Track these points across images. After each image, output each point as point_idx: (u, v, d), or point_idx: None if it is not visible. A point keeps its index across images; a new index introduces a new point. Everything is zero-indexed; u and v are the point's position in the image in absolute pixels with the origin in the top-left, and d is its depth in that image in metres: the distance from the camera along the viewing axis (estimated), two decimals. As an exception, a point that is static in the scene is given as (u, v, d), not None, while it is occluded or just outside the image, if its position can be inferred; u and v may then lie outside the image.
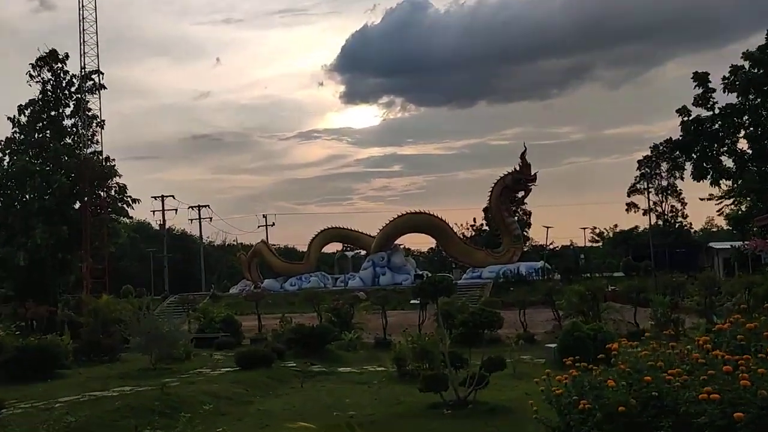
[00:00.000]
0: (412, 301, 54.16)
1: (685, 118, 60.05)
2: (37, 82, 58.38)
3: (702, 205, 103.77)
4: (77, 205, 57.68)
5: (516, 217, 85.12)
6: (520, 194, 71.34)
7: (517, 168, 65.42)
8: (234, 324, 36.28)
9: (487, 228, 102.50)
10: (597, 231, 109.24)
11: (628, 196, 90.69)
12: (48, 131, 58.10)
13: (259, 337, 34.44)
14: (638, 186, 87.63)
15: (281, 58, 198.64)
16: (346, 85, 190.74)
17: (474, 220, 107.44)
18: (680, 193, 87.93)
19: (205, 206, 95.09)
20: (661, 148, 69.40)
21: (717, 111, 59.01)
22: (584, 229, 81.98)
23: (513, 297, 39.49)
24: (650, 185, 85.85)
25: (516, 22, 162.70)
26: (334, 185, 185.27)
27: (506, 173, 66.42)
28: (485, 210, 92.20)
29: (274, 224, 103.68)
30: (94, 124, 60.41)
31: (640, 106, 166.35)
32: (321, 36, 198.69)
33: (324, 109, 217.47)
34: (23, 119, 58.01)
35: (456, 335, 20.95)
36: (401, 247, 78.14)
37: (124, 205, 58.89)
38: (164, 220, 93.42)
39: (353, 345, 30.10)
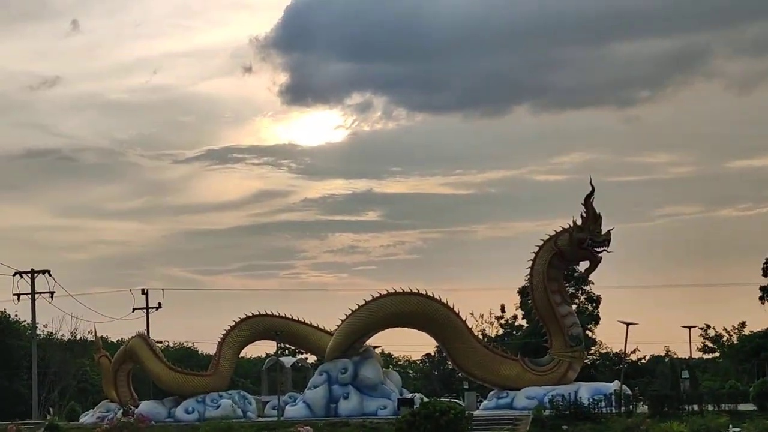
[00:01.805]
0: (393, 445, 54.15)
1: None
2: None
3: None
4: None
5: (575, 306, 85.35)
6: (583, 266, 71.46)
7: (579, 222, 65.75)
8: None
9: (524, 322, 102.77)
10: (712, 333, 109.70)
11: (765, 275, 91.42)
12: None
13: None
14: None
15: (181, 22, 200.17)
16: (291, 73, 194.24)
17: (502, 308, 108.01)
18: None
19: (43, 272, 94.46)
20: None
21: None
22: (689, 328, 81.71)
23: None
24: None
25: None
26: (266, 242, 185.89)
27: (559, 230, 66.72)
28: (522, 292, 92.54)
29: (160, 306, 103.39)
30: None
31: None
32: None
33: (252, 111, 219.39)
34: None
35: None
36: (376, 351, 77.82)
37: None
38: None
39: None
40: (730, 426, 45.17)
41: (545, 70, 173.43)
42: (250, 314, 75.76)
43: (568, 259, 68.11)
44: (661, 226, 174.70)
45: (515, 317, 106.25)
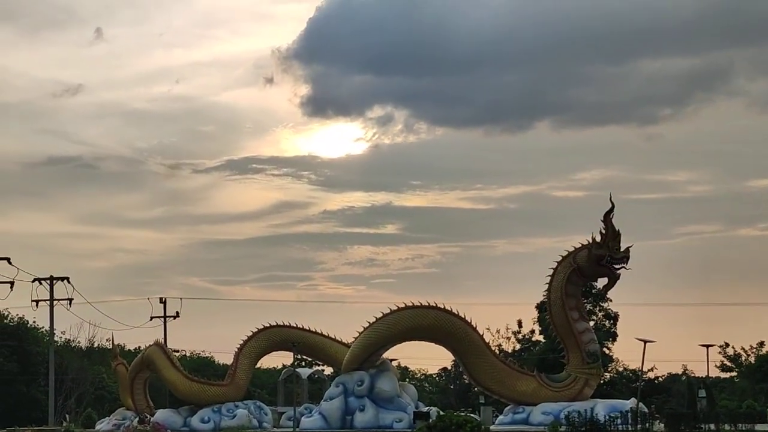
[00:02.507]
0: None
1: None
2: None
3: None
4: None
5: (592, 322, 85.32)
6: (601, 283, 71.36)
7: (598, 239, 65.74)
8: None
9: (541, 338, 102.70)
10: (730, 352, 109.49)
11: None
12: None
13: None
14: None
15: (204, 32, 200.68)
16: (312, 85, 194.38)
17: (519, 324, 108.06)
18: None
19: (62, 279, 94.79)
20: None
21: None
22: (707, 347, 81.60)
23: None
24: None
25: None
26: (284, 253, 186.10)
27: (578, 246, 66.72)
28: (540, 307, 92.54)
29: (178, 315, 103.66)
30: None
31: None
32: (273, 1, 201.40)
33: (273, 122, 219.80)
34: None
35: None
36: (393, 364, 77.81)
37: None
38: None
39: None
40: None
41: (568, 87, 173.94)
42: (268, 325, 75.86)
43: (586, 276, 68.05)
44: (681, 244, 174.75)
45: (532, 332, 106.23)
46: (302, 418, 70.91)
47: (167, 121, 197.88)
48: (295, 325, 75.81)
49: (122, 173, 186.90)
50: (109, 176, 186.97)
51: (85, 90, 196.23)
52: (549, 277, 67.39)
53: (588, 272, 67.21)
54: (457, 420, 16.29)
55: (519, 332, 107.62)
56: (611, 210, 65.70)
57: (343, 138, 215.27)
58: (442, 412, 68.58)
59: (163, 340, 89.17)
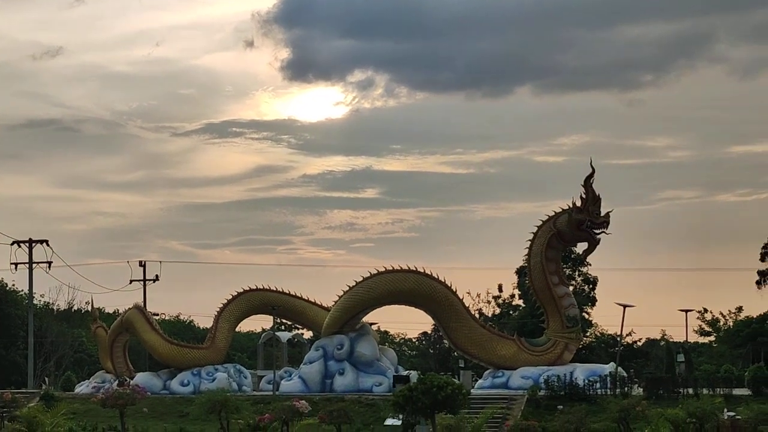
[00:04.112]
0: (388, 421, 54.15)
1: None
2: None
3: None
4: None
5: (572, 287, 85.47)
6: (581, 248, 71.49)
7: (578, 203, 65.77)
8: (80, 446, 35.92)
9: (521, 302, 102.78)
10: (707, 317, 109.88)
11: (762, 260, 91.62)
12: None
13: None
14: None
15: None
16: (293, 49, 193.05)
17: (499, 288, 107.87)
18: None
19: (41, 242, 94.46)
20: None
21: None
22: (686, 312, 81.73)
23: (562, 422, 39.48)
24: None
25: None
26: (264, 217, 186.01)
27: (558, 211, 66.75)
28: (520, 272, 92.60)
29: (157, 278, 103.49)
30: None
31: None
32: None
33: (253, 86, 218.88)
34: None
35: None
36: (373, 328, 77.90)
37: None
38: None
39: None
40: (725, 410, 45.19)
41: (549, 52, 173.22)
42: (247, 288, 75.93)
43: (566, 240, 68.18)
44: (660, 209, 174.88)
45: (512, 297, 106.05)
46: (282, 381, 71.04)
47: (147, 84, 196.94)
48: (274, 289, 75.91)
49: (102, 136, 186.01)
50: (88, 139, 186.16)
51: (65, 52, 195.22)
52: (529, 242, 67.51)
53: (568, 237, 67.31)
54: (438, 382, 16.32)
55: (499, 297, 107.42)
56: (591, 175, 65.76)
57: (324, 102, 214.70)
58: (421, 376, 68.99)
59: (142, 304, 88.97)
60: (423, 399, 16.29)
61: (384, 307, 73.70)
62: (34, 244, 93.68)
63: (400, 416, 29.35)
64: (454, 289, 69.72)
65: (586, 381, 62.34)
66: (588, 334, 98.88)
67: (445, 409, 16.87)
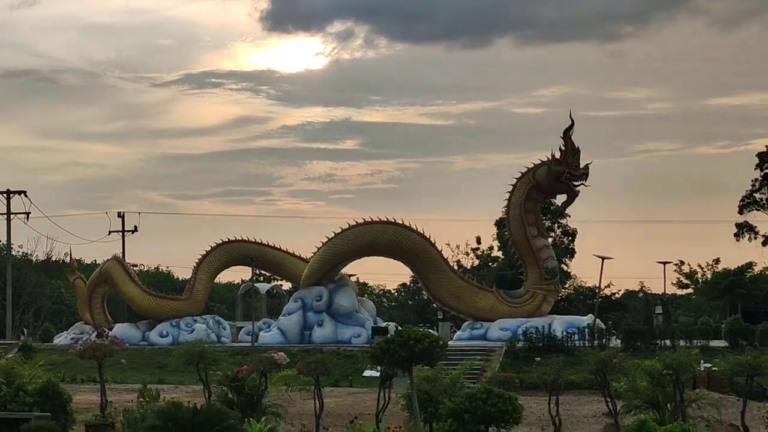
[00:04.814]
0: (367, 372, 54.35)
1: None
2: None
3: None
4: None
5: (551, 239, 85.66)
6: (560, 200, 71.62)
7: (557, 155, 65.76)
8: (59, 397, 35.78)
9: (500, 254, 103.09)
10: (685, 269, 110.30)
11: (740, 213, 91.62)
12: None
13: (101, 421, 34.04)
14: (756, 197, 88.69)
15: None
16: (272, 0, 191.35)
17: (478, 240, 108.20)
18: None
19: (18, 193, 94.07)
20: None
21: None
22: (664, 264, 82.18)
23: (539, 373, 39.49)
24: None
25: None
26: (243, 168, 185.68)
27: (537, 163, 66.74)
28: (499, 224, 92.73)
29: (136, 230, 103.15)
30: None
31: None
32: None
33: (231, 37, 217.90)
34: None
35: (440, 433, 20.96)
36: (352, 279, 77.97)
37: None
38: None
39: (262, 443, 29.88)
40: (702, 361, 45.47)
41: (529, 3, 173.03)
42: (226, 239, 75.87)
43: (545, 192, 68.14)
44: (639, 161, 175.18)
45: (491, 249, 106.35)
46: (261, 333, 71.15)
47: (125, 35, 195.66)
48: (253, 240, 75.84)
49: (80, 86, 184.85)
50: (66, 89, 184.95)
51: (42, 2, 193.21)
52: (508, 194, 67.53)
53: (547, 189, 67.30)
54: (415, 334, 16.31)
55: (478, 248, 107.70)
56: (571, 127, 65.72)
57: (303, 53, 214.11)
58: (400, 328, 69.01)
59: (121, 255, 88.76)
60: (400, 351, 16.29)
61: (363, 259, 73.88)
62: (12, 195, 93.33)
63: (378, 368, 29.39)
64: (433, 241, 69.83)
65: (565, 333, 62.63)
66: (566, 286, 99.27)
67: (422, 362, 16.92)
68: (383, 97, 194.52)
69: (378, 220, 69.99)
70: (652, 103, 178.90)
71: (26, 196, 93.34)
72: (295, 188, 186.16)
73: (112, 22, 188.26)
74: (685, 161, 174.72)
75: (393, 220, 69.85)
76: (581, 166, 65.55)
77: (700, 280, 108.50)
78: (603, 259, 69.05)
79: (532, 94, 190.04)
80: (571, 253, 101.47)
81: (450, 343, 62.08)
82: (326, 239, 70.43)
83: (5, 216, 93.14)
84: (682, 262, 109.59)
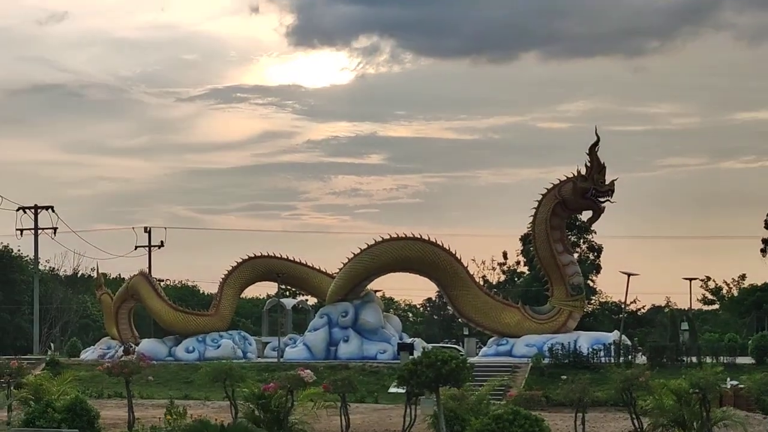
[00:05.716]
0: (392, 389, 54.31)
1: None
2: None
3: None
4: None
5: (576, 254, 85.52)
6: (585, 215, 71.49)
7: (582, 171, 65.67)
8: (87, 414, 36.01)
9: (525, 269, 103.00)
10: (712, 285, 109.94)
11: (766, 227, 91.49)
12: None
13: (127, 438, 34.24)
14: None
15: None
16: (298, 14, 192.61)
17: (504, 255, 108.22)
18: None
19: (46, 208, 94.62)
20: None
21: None
22: (690, 280, 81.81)
23: (566, 392, 39.47)
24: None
25: None
26: (268, 183, 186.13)
27: (563, 179, 66.64)
28: (525, 239, 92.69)
29: (163, 245, 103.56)
30: None
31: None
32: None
33: (257, 51, 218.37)
34: None
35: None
36: (377, 295, 77.98)
37: None
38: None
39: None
40: (728, 379, 45.28)
41: (555, 17, 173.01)
42: (252, 255, 76.02)
43: (571, 208, 68.05)
44: (665, 176, 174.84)
45: (517, 264, 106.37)
46: (286, 348, 71.22)
47: (152, 50, 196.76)
48: (279, 256, 75.97)
49: (106, 101, 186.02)
50: (93, 104, 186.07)
51: (70, 17, 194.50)
52: (534, 210, 67.41)
53: (573, 205, 67.18)
54: (443, 356, 16.37)
55: (504, 264, 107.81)
56: (596, 143, 65.54)
57: (328, 68, 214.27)
58: (425, 344, 68.99)
59: (147, 270, 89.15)
60: (427, 373, 16.32)
61: (389, 274, 73.90)
62: (39, 211, 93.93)
63: (405, 386, 29.51)
64: (459, 256, 69.77)
65: (590, 349, 62.43)
66: (592, 301, 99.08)
67: (449, 383, 16.92)
68: (408, 112, 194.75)
69: (404, 235, 69.96)
70: (677, 118, 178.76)
71: (53, 211, 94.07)
72: (321, 203, 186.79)
73: (138, 37, 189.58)
74: (711, 176, 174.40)
75: (419, 236, 69.86)
76: (607, 182, 65.42)
77: (726, 297, 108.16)
78: (629, 275, 68.64)
79: (558, 109, 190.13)
80: (597, 268, 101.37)
81: (475, 359, 62.12)
82: (351, 254, 70.43)
83: (33, 231, 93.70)
84: (708, 278, 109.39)
